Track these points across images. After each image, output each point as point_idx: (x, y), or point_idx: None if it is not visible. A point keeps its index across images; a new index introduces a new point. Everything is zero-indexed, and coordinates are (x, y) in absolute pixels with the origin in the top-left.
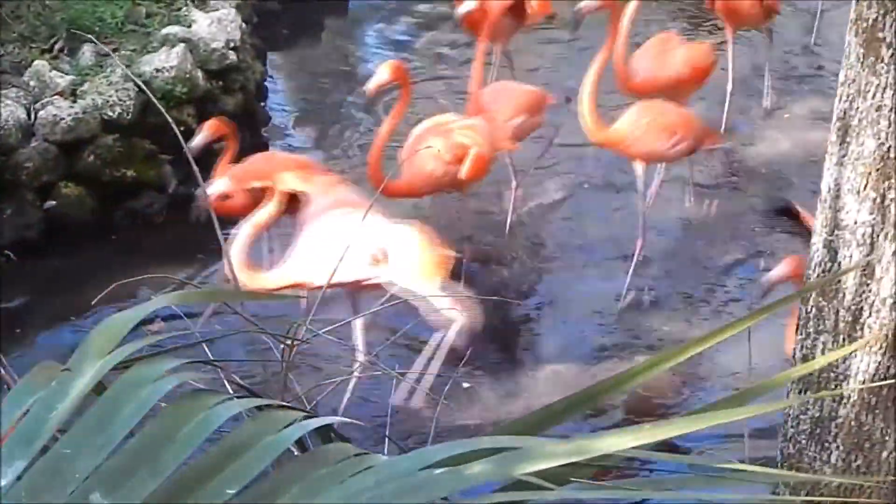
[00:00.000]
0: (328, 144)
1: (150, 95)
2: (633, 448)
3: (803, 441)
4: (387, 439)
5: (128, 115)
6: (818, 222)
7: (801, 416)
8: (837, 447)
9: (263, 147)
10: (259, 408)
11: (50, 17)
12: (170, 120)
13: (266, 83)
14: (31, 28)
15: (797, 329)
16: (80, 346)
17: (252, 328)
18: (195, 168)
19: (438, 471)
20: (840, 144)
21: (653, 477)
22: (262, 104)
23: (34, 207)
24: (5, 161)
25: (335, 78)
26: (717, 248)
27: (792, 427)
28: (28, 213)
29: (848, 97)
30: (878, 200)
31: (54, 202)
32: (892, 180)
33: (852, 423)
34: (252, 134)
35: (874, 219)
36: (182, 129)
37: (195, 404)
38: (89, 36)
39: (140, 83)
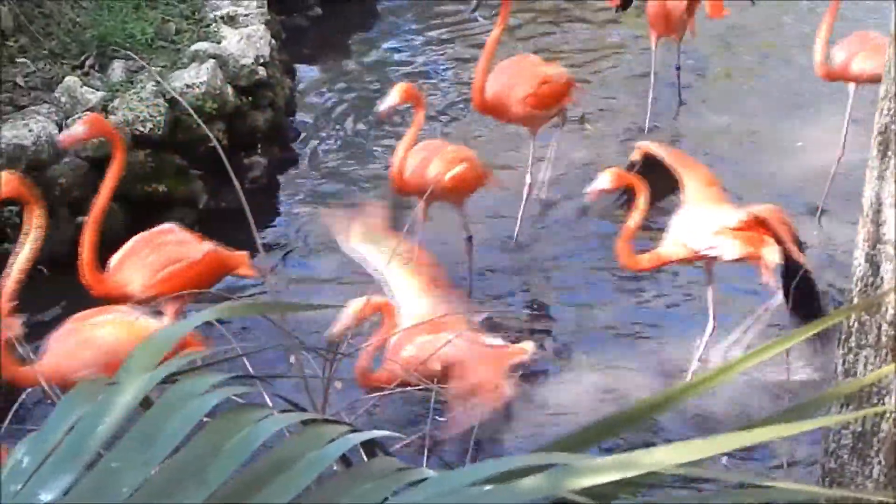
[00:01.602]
0: (357, 156)
1: (188, 108)
2: (683, 465)
3: (845, 456)
4: (426, 451)
5: (158, 130)
6: (860, 236)
7: (843, 431)
8: (879, 462)
9: (293, 162)
10: (304, 422)
11: (80, 34)
12: (210, 135)
13: (295, 98)
14: (62, 45)
15: (839, 343)
16: (126, 360)
17: (293, 342)
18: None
19: (487, 487)
20: (881, 159)
21: (701, 494)
22: (291, 119)
23: (67, 223)
24: (38, 177)
25: (362, 91)
26: None
27: (833, 442)
28: (61, 229)
29: (889, 111)
30: None
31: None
32: None
33: (895, 437)
34: (282, 149)
35: None
36: (212, 145)
37: (240, 419)
38: (123, 51)
39: (177, 95)
